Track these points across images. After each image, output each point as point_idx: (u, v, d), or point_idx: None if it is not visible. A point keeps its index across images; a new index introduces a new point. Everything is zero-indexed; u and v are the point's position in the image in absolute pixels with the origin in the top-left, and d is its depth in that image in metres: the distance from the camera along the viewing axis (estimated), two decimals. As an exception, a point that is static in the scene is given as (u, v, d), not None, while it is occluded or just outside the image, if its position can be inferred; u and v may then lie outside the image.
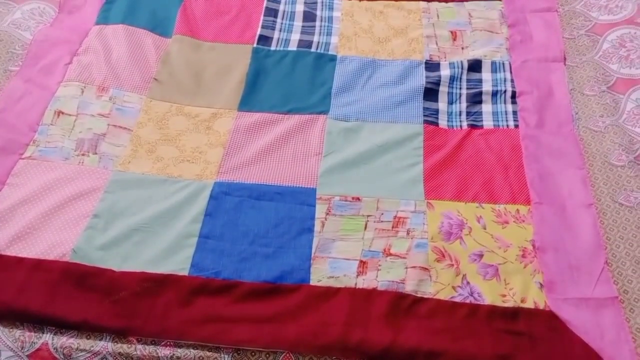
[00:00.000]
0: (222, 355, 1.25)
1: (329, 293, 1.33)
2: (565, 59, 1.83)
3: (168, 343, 1.26)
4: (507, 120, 1.68)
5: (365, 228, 1.45)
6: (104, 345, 1.25)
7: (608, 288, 1.32)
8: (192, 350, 1.25)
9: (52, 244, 1.39)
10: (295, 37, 1.93)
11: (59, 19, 1.94)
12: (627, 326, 1.27)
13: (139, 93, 1.74)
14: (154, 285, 1.33)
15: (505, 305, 1.31)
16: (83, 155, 1.58)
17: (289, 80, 1.80)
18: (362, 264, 1.39)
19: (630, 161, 1.54)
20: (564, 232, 1.43)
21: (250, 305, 1.31)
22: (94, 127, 1.64)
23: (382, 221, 1.47)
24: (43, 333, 1.27)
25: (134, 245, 1.41)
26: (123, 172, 1.56)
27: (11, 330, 1.28)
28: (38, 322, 1.28)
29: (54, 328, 1.28)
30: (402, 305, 1.31)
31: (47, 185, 1.50)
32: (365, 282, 1.36)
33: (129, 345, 1.25)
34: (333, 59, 1.86)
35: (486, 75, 1.80)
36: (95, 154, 1.59)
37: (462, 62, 1.82)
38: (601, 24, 1.88)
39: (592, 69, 1.77)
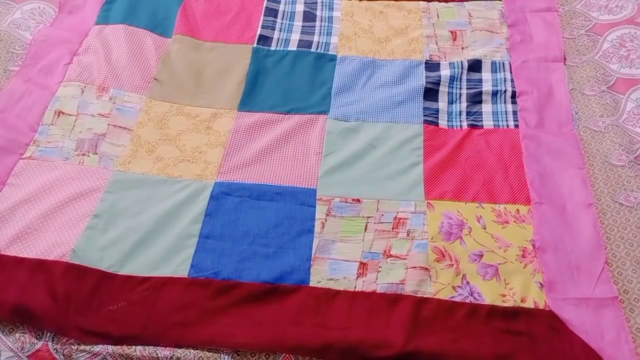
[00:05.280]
0: (222, 356, 1.25)
1: (329, 295, 1.34)
2: (565, 58, 1.83)
3: (167, 344, 1.26)
4: (507, 120, 1.68)
5: (366, 229, 1.45)
6: (104, 346, 1.25)
7: (608, 288, 1.33)
8: (191, 350, 1.25)
9: (52, 244, 1.39)
10: (295, 37, 1.93)
11: (59, 19, 1.94)
12: (627, 326, 1.27)
13: (139, 93, 1.74)
14: (154, 291, 1.33)
15: (505, 305, 1.32)
16: (83, 155, 1.58)
17: (289, 80, 1.80)
18: (363, 265, 1.39)
19: (630, 161, 1.54)
20: (564, 232, 1.43)
21: (250, 306, 1.31)
22: (94, 127, 1.64)
23: (382, 222, 1.47)
24: (43, 334, 1.27)
25: (134, 245, 1.41)
26: (123, 172, 1.56)
27: (11, 330, 1.28)
28: (38, 322, 1.28)
29: (52, 330, 1.28)
30: (401, 306, 1.31)
31: (47, 185, 1.50)
32: (365, 284, 1.36)
33: (129, 347, 1.25)
34: (333, 59, 1.86)
35: (486, 75, 1.80)
36: (96, 153, 1.59)
37: (462, 62, 1.82)
38: (601, 24, 1.88)
39: (592, 69, 1.77)
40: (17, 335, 1.27)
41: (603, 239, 1.41)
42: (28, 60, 1.79)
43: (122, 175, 1.55)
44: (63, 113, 1.66)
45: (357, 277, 1.37)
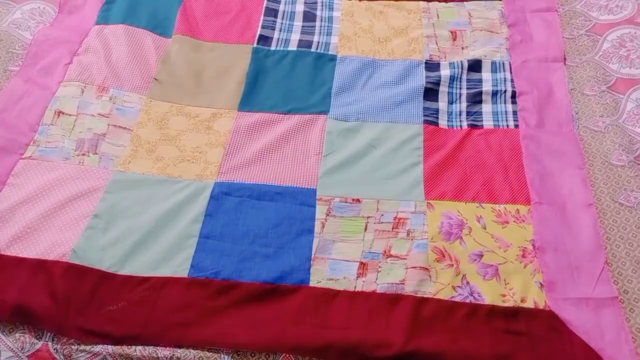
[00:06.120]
0: (222, 356, 1.25)
1: (329, 295, 1.33)
2: (565, 58, 1.83)
3: (167, 344, 1.26)
4: (507, 120, 1.68)
5: (366, 229, 1.45)
6: (104, 346, 1.25)
7: (608, 288, 1.32)
8: (192, 350, 1.25)
9: (52, 244, 1.39)
10: (295, 37, 1.93)
11: (59, 19, 1.94)
12: (627, 326, 1.27)
13: (139, 93, 1.74)
14: (154, 291, 1.33)
15: (505, 305, 1.31)
16: (83, 155, 1.58)
17: (289, 80, 1.80)
18: (362, 265, 1.39)
19: (630, 161, 1.54)
20: (564, 232, 1.43)
21: (250, 306, 1.31)
22: (94, 127, 1.64)
23: (382, 222, 1.46)
24: (43, 334, 1.27)
25: (134, 245, 1.40)
26: (123, 172, 1.56)
27: (11, 330, 1.28)
28: (38, 322, 1.28)
29: (51, 330, 1.28)
30: (401, 306, 1.31)
31: (47, 185, 1.50)
32: (365, 284, 1.36)
33: (129, 347, 1.25)
34: (333, 59, 1.86)
35: (486, 75, 1.80)
36: (96, 154, 1.59)
37: (462, 62, 1.82)
38: (601, 24, 1.88)
39: (592, 69, 1.77)
40: (17, 335, 1.27)
41: (603, 239, 1.41)
42: (28, 60, 1.79)
43: (122, 175, 1.55)
44: (63, 113, 1.66)
45: (357, 277, 1.37)
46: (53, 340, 1.27)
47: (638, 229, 1.42)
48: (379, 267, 1.38)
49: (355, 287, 1.35)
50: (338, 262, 1.40)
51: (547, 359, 1.23)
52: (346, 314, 1.30)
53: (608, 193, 1.50)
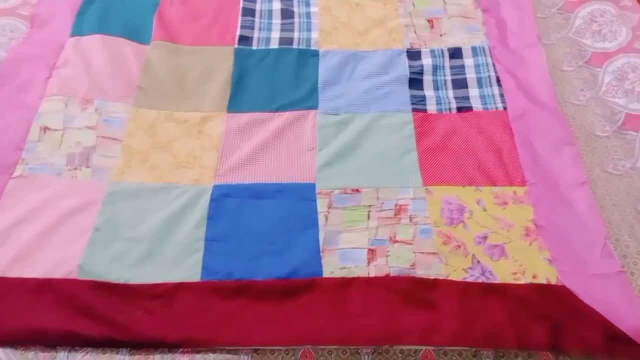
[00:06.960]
0: (242, 357, 1.25)
1: (343, 284, 1.34)
2: (540, 38, 1.87)
3: (186, 350, 1.26)
4: (495, 103, 1.71)
5: (369, 218, 1.47)
6: (121, 358, 1.24)
7: (613, 261, 1.35)
8: (210, 354, 1.25)
9: (57, 262, 1.37)
10: (276, 35, 1.92)
11: (32, 34, 1.88)
12: (635, 294, 1.31)
13: (125, 102, 1.71)
14: (168, 298, 1.32)
15: (517, 282, 1.34)
16: (75, 169, 1.55)
17: (274, 78, 1.80)
18: (371, 251, 1.40)
19: (614, 131, 1.60)
20: (563, 210, 1.46)
21: (267, 304, 1.31)
22: (82, 140, 1.61)
23: (383, 210, 1.48)
24: (57, 352, 1.26)
25: (141, 254, 1.39)
26: (119, 183, 1.54)
27: (23, 352, 1.25)
28: (53, 341, 1.26)
29: (68, 346, 1.26)
30: (416, 289, 1.33)
31: (42, 203, 1.47)
32: (377, 269, 1.37)
33: (146, 356, 1.25)
34: (315, 54, 1.86)
35: (468, 60, 1.82)
36: (88, 167, 1.56)
37: (442, 50, 1.84)
38: (571, 1, 1.94)
39: (568, 45, 1.83)
40: (30, 356, 1.25)
41: (601, 213, 1.45)
42: (4, 79, 1.73)
43: (118, 186, 1.53)
44: (49, 129, 1.62)
45: (369, 263, 1.38)
46: (68, 358, 1.25)
47: (628, 195, 1.47)
48: (387, 252, 1.40)
49: (368, 273, 1.36)
50: (347, 250, 1.40)
51: (563, 333, 1.25)
52: (363, 301, 1.31)
53: (597, 164, 1.55)
